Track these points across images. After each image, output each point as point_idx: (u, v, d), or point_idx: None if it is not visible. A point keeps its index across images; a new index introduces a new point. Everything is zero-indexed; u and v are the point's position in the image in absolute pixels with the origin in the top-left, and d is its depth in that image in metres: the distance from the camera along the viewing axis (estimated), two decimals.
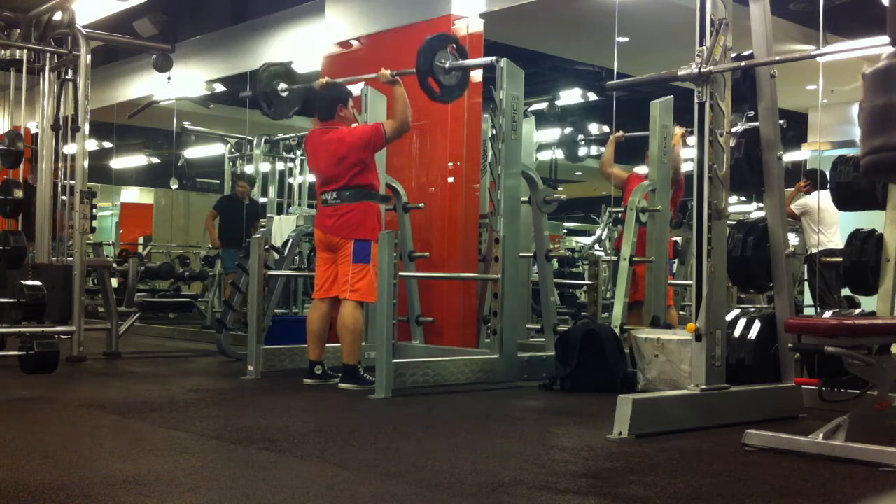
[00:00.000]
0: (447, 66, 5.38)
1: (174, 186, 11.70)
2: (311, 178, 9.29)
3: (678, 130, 6.50)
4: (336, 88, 5.49)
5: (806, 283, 7.62)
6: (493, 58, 5.50)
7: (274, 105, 5.92)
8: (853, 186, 4.75)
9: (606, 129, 10.10)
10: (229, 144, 9.92)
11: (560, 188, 8.49)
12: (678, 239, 7.77)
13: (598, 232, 9.99)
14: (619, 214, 7.02)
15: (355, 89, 6.57)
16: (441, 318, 6.49)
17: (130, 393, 4.91)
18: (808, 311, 6.77)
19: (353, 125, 5.35)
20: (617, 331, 5.55)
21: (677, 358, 4.74)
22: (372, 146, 5.20)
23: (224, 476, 2.97)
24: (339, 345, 5.67)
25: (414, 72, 5.37)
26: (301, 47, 8.58)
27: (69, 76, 6.57)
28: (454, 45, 5.44)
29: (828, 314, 4.44)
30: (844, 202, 4.97)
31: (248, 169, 9.64)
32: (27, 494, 2.58)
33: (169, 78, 8.45)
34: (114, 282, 8.16)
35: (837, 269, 5.81)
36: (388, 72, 5.31)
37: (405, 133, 5.43)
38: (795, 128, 8.90)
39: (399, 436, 3.74)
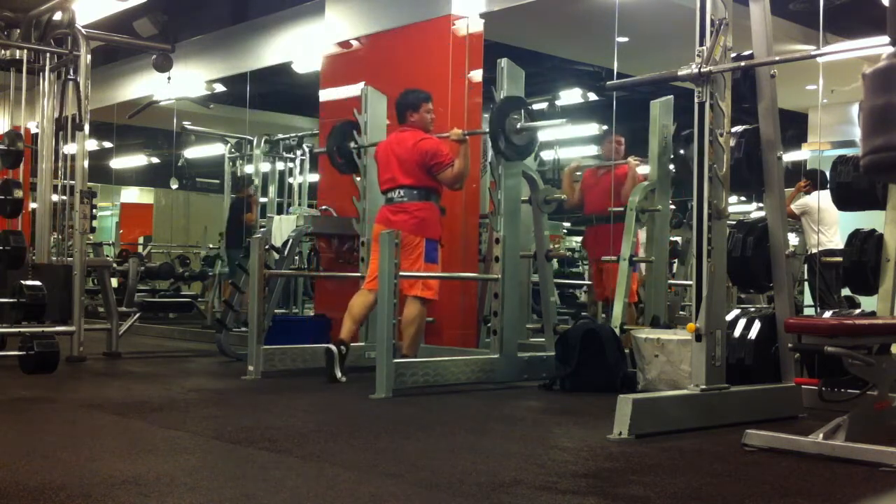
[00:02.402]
0: (518, 126, 5.49)
1: (174, 186, 11.69)
2: (311, 178, 9.30)
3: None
4: (409, 94, 5.73)
5: (806, 283, 7.62)
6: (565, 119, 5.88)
7: (344, 159, 6.33)
8: (853, 186, 4.75)
9: (606, 128, 10.11)
10: (229, 144, 9.92)
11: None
12: (678, 239, 7.77)
13: None
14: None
15: (356, 89, 6.60)
16: (441, 318, 6.48)
17: (130, 393, 4.91)
18: (808, 311, 6.77)
19: (436, 134, 5.64)
20: (617, 331, 5.55)
21: (677, 358, 4.74)
22: (431, 168, 5.45)
23: (224, 476, 2.97)
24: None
25: (484, 132, 5.69)
26: (301, 47, 8.59)
27: (69, 76, 6.57)
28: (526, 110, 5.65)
29: (828, 314, 4.44)
30: (844, 202, 4.97)
31: (248, 169, 9.64)
32: (27, 494, 2.58)
33: (169, 78, 8.45)
34: (114, 282, 8.16)
35: (837, 269, 5.80)
36: (459, 131, 5.60)
37: (456, 189, 5.69)
38: (795, 128, 8.90)
39: (399, 436, 3.74)
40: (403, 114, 5.64)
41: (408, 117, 5.61)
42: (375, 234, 5.51)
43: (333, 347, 5.28)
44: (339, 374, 5.21)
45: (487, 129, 5.64)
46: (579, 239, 14.10)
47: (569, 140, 11.10)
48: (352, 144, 6.25)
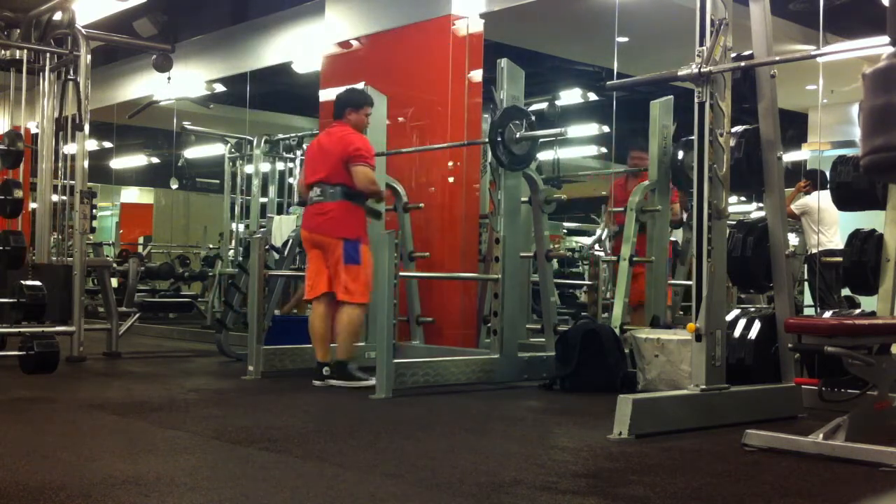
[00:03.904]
0: (517, 136, 5.43)
1: (174, 186, 11.70)
2: None
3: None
4: (353, 92, 5.57)
5: (806, 283, 7.61)
6: (562, 129, 5.71)
7: None
8: (853, 186, 4.75)
9: (606, 129, 10.11)
10: (229, 144, 9.93)
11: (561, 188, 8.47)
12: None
13: (598, 232, 9.97)
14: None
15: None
16: (441, 318, 6.49)
17: (130, 393, 4.91)
18: (808, 311, 6.77)
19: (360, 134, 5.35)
20: (617, 331, 5.55)
21: (677, 358, 4.74)
22: (351, 159, 5.14)
23: (224, 476, 2.97)
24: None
25: (483, 142, 5.62)
26: (301, 47, 8.59)
27: (69, 76, 6.57)
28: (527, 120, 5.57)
29: (828, 314, 4.44)
30: (844, 202, 4.97)
31: (248, 169, 9.64)
32: (27, 494, 2.58)
33: (169, 78, 8.45)
34: (114, 282, 8.17)
35: (837, 269, 5.80)
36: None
37: (367, 191, 5.24)
38: (795, 128, 8.89)
39: (399, 436, 3.74)
40: (342, 110, 5.36)
41: (346, 114, 5.34)
42: (303, 240, 5.38)
43: (317, 382, 5.13)
44: (343, 384, 5.17)
45: (487, 136, 5.58)
46: (579, 239, 14.11)
47: (568, 140, 11.09)
48: None
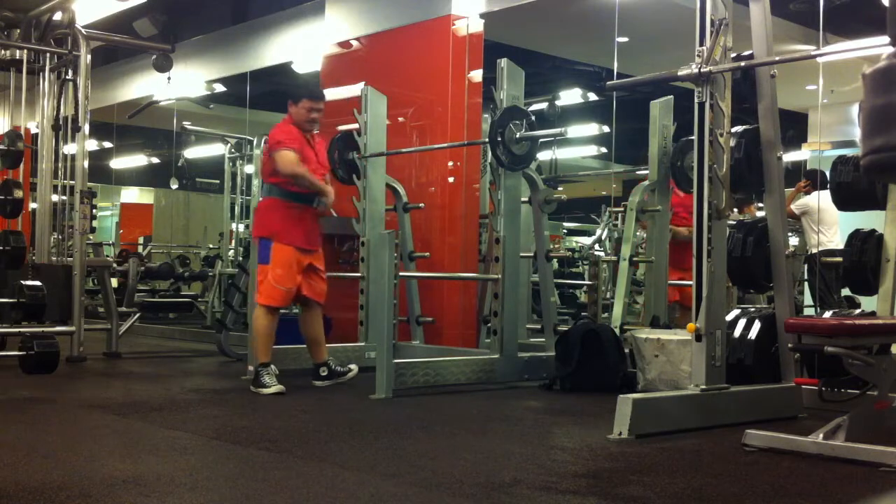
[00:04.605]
0: (517, 136, 5.41)
1: (174, 186, 11.70)
2: None
3: None
4: (297, 86, 5.45)
5: (806, 283, 7.62)
6: (562, 129, 5.77)
7: (343, 169, 6.40)
8: (853, 186, 4.75)
9: (606, 129, 10.12)
10: (229, 144, 9.93)
11: (560, 188, 8.47)
12: None
13: (598, 232, 9.98)
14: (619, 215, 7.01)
15: (356, 89, 6.60)
16: (441, 318, 6.49)
17: (130, 393, 4.92)
18: (808, 311, 6.77)
19: (292, 127, 5.04)
20: (617, 331, 5.55)
21: (677, 358, 4.73)
22: (271, 149, 4.94)
23: (224, 476, 2.97)
24: (342, 345, 5.71)
25: (483, 142, 5.58)
26: (301, 47, 8.59)
27: (69, 76, 6.58)
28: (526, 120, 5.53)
29: (828, 314, 4.45)
30: (844, 202, 4.97)
31: (249, 169, 9.64)
32: (27, 494, 2.58)
33: (169, 78, 8.46)
34: (114, 282, 8.17)
35: (837, 269, 5.81)
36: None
37: (284, 175, 4.92)
38: (795, 128, 8.90)
39: (399, 436, 3.74)
40: (287, 102, 5.12)
41: (287, 107, 5.09)
42: None
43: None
44: (348, 375, 5.17)
45: (487, 136, 5.56)
46: (579, 239, 14.11)
47: (568, 140, 11.10)
48: (351, 155, 6.26)
